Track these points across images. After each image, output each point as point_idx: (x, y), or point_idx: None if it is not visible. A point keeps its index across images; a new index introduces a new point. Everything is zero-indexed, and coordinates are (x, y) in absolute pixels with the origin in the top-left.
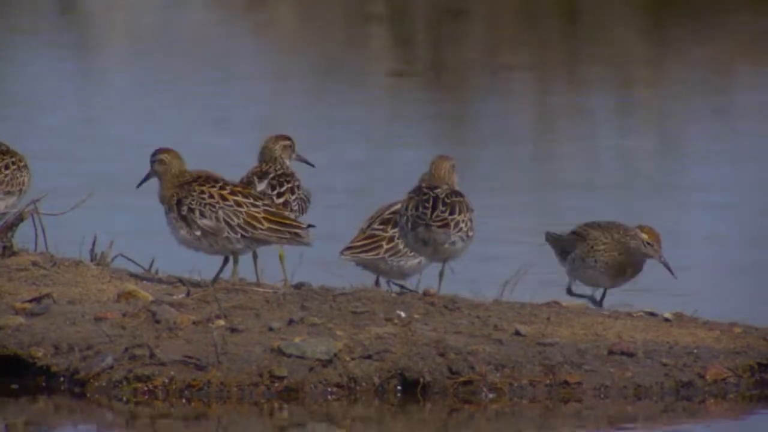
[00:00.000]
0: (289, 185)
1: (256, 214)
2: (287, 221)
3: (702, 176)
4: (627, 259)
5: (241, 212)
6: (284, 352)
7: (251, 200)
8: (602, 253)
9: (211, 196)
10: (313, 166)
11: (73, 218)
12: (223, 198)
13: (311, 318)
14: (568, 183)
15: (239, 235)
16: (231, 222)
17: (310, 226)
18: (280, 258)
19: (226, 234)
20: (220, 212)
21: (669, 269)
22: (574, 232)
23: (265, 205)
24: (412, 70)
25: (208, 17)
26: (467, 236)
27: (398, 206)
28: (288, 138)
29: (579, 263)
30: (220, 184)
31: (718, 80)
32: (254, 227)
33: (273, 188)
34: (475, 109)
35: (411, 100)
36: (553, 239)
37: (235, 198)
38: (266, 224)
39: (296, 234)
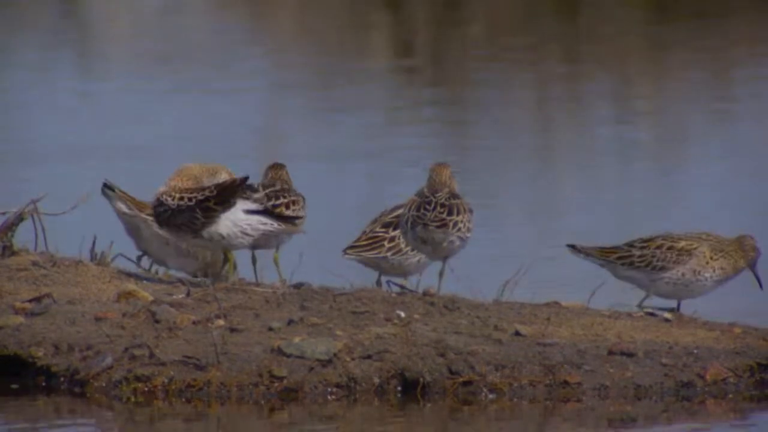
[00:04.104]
0: (285, 200)
1: (208, 203)
2: (227, 188)
3: (701, 174)
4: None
5: (194, 208)
6: (284, 352)
7: (198, 193)
8: (719, 261)
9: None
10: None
11: (73, 218)
12: (181, 199)
13: (311, 318)
14: (568, 180)
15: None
16: (195, 224)
17: (297, 217)
18: (275, 261)
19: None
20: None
21: None
22: (672, 248)
23: (209, 191)
24: (413, 67)
25: (208, 17)
26: (465, 236)
27: (400, 210)
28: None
29: (693, 278)
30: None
31: (718, 80)
32: (212, 209)
33: (269, 199)
34: (475, 107)
35: (411, 99)
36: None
37: (190, 195)
38: (214, 200)
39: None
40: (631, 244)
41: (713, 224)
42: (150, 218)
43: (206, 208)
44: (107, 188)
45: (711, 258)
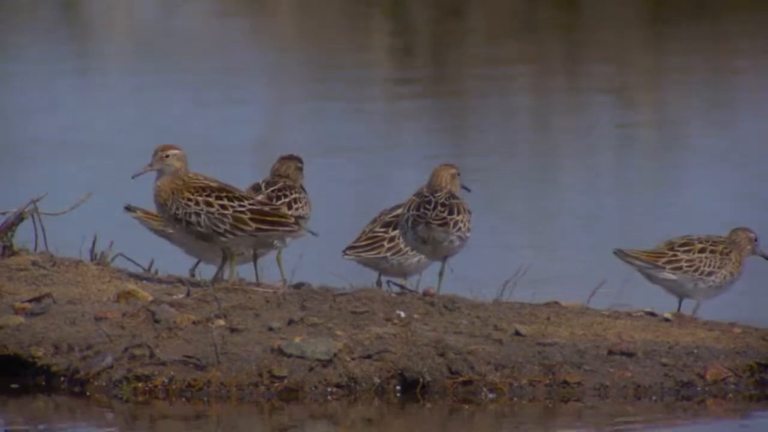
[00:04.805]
0: (286, 199)
1: (242, 216)
2: (272, 218)
3: (702, 175)
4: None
5: (227, 215)
6: (284, 352)
7: (237, 202)
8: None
9: (197, 204)
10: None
11: (73, 218)
12: (209, 204)
13: (311, 318)
14: (569, 181)
15: (230, 238)
16: (218, 228)
17: (298, 218)
18: (278, 260)
19: (215, 239)
20: (205, 219)
21: None
22: (713, 252)
23: (251, 204)
24: (412, 72)
25: (208, 17)
26: (465, 236)
27: (400, 209)
28: (301, 160)
29: (729, 279)
30: (207, 192)
31: (718, 80)
32: (242, 229)
33: (270, 200)
34: (475, 109)
35: (410, 103)
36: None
37: (221, 202)
38: (253, 225)
39: (286, 228)
40: (671, 248)
41: (714, 225)
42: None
43: (239, 219)
44: (128, 210)
45: (738, 262)
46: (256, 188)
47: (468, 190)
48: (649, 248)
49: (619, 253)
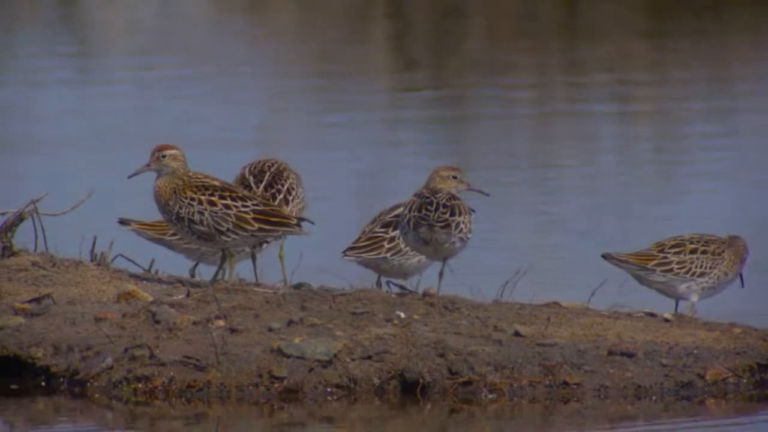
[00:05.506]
0: (281, 195)
1: (245, 215)
2: (275, 219)
3: (701, 176)
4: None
5: (230, 215)
6: (284, 353)
7: (240, 202)
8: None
9: (200, 203)
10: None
11: (73, 218)
12: (212, 204)
13: (311, 318)
14: (569, 184)
15: (232, 238)
16: (220, 227)
17: (300, 220)
18: (280, 258)
19: (217, 239)
20: (208, 218)
21: None
22: (705, 252)
23: (254, 204)
24: (412, 74)
25: (208, 17)
26: (466, 237)
27: (399, 209)
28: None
29: (723, 279)
30: (210, 191)
31: (718, 80)
32: (245, 229)
33: (267, 200)
34: (476, 110)
35: (411, 101)
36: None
37: (224, 202)
38: (256, 225)
39: (287, 229)
40: (662, 250)
41: (714, 226)
42: (173, 239)
43: (242, 219)
44: (123, 224)
45: (732, 261)
46: (245, 184)
47: (486, 194)
48: (639, 251)
49: (608, 257)
